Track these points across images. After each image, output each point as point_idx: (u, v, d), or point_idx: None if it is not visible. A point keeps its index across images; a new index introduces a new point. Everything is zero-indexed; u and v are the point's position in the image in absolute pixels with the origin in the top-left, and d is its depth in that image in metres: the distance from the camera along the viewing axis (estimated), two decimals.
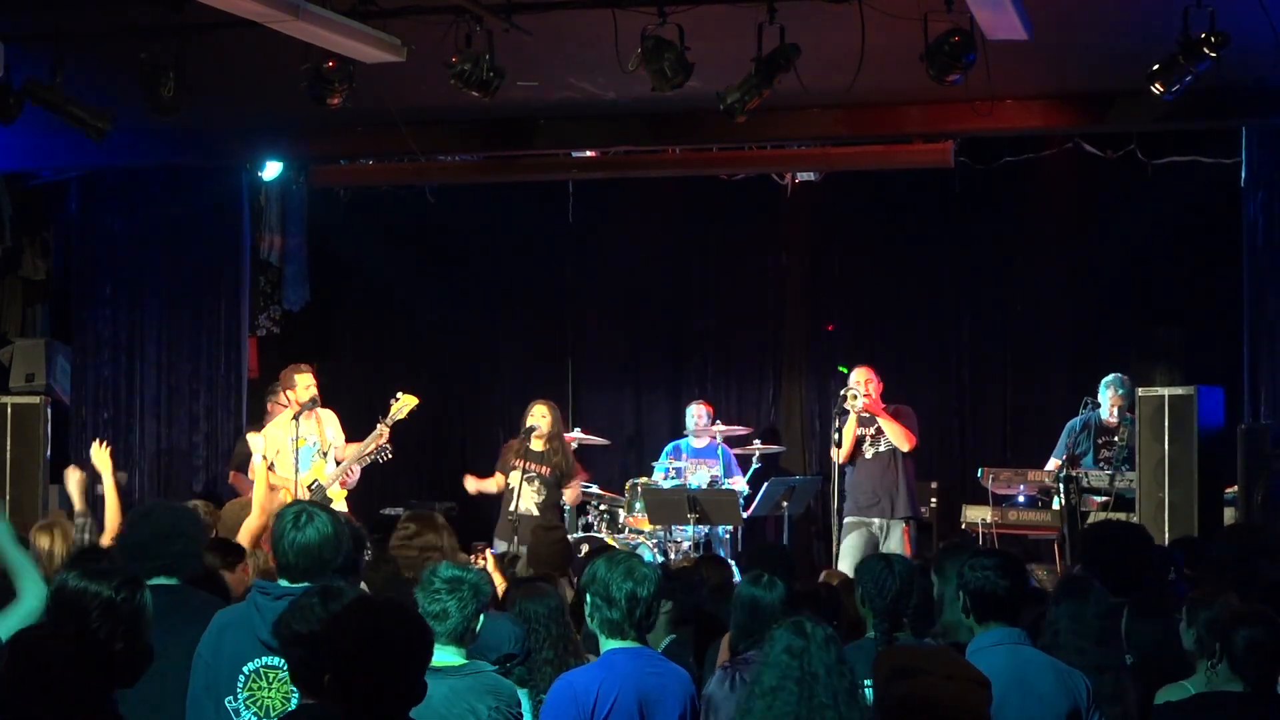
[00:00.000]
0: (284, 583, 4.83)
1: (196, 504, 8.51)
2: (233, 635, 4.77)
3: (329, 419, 10.89)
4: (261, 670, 4.72)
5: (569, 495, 11.24)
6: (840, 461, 11.09)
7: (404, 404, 10.76)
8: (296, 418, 11.16)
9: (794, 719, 4.20)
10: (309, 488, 10.64)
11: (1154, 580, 6.39)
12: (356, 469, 10.67)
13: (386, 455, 10.77)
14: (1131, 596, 5.78)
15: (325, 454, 10.79)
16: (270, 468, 10.24)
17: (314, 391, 10.59)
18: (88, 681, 3.52)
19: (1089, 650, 5.17)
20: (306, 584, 4.74)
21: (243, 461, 11.18)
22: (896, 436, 10.81)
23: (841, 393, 10.94)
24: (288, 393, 10.61)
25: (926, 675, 3.43)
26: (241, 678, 4.73)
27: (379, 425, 10.59)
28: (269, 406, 11.54)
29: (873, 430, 10.93)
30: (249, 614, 4.76)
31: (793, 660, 4.25)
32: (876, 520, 10.83)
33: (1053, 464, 10.90)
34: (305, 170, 13.16)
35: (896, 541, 10.70)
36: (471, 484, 11.42)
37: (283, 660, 4.56)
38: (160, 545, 5.40)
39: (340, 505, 10.70)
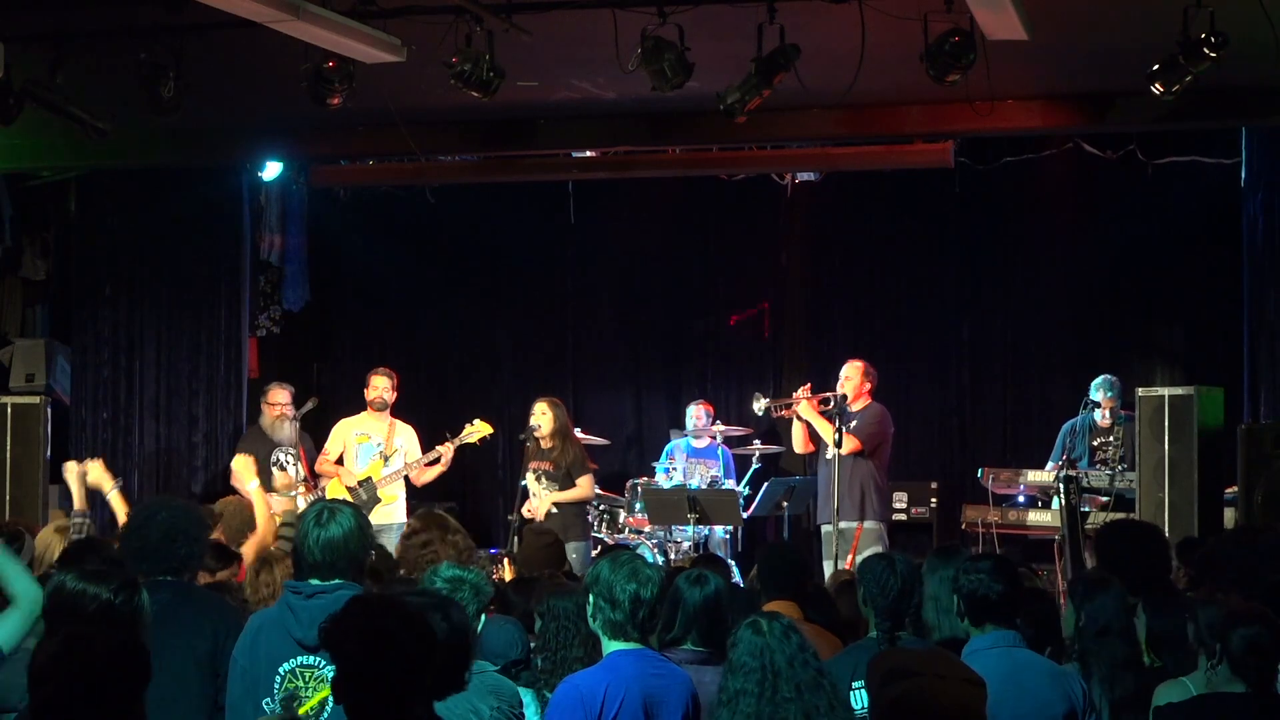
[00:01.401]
0: (315, 581, 4.82)
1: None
2: (267, 636, 4.78)
3: (404, 429, 11.61)
4: (297, 670, 4.71)
5: (583, 487, 11.24)
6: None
7: (477, 430, 11.32)
8: (295, 419, 11.39)
9: (759, 718, 4.20)
10: (359, 482, 11.24)
11: (1166, 579, 6.42)
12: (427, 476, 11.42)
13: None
14: (1148, 596, 5.79)
15: (387, 457, 11.39)
16: (338, 462, 11.41)
17: (378, 393, 11.48)
18: (127, 681, 3.51)
19: (1120, 647, 5.17)
20: (338, 581, 4.75)
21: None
22: (828, 436, 10.62)
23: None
24: (365, 391, 11.52)
25: (921, 676, 3.44)
26: (278, 678, 4.73)
27: (446, 443, 11.19)
28: (262, 408, 11.56)
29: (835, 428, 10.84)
30: (283, 614, 4.76)
31: (754, 660, 4.25)
32: (833, 526, 10.73)
33: (1050, 468, 10.89)
34: (305, 170, 13.16)
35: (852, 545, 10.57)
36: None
37: (318, 659, 4.63)
38: (167, 548, 5.40)
39: (395, 506, 11.21)
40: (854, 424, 10.73)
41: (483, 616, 4.87)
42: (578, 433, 12.09)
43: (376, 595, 3.78)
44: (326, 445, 11.55)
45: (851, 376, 10.91)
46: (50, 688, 3.46)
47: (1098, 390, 10.94)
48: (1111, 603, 5.39)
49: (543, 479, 10.85)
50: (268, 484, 11.13)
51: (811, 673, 4.25)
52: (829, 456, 10.71)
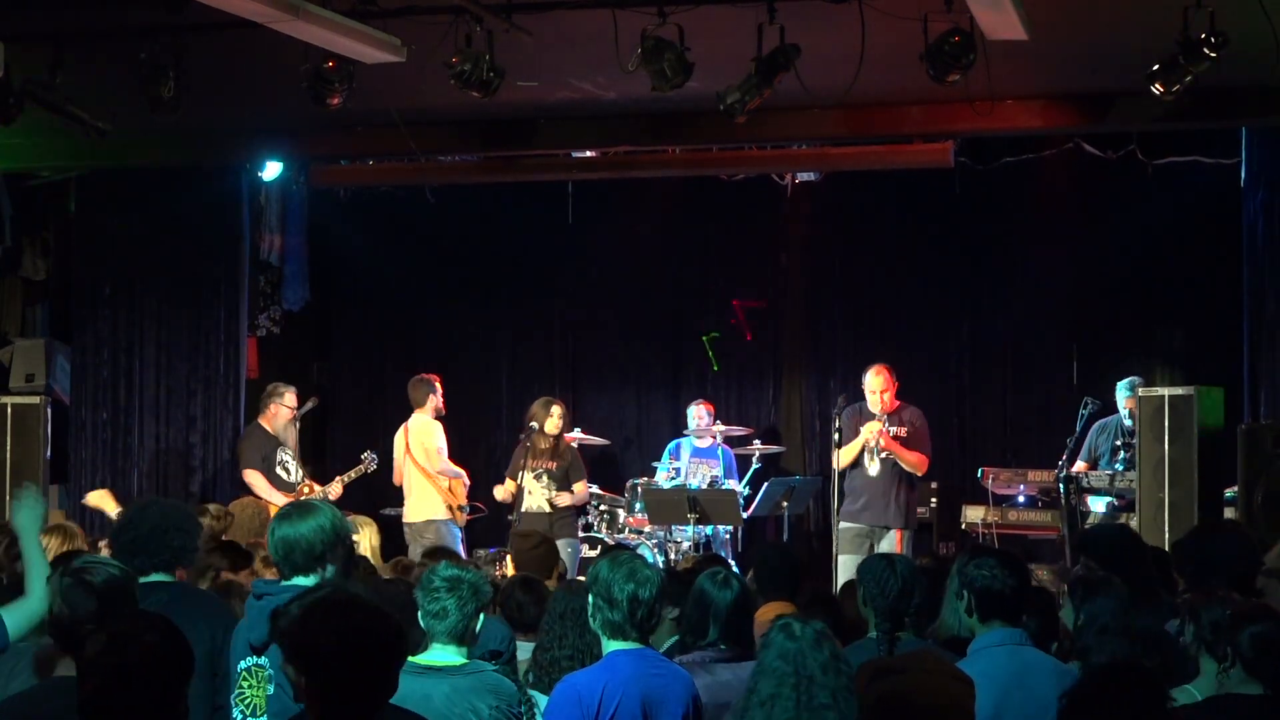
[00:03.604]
0: (282, 581, 4.86)
1: (209, 506, 8.68)
2: (239, 636, 4.89)
3: None
4: (252, 669, 4.79)
5: (579, 492, 11.33)
6: (838, 468, 11.05)
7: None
8: (295, 420, 11.43)
9: None
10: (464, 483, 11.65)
11: (1152, 579, 6.42)
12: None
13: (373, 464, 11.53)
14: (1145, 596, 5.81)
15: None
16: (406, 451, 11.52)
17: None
18: (171, 676, 3.51)
19: (1120, 646, 5.16)
20: (300, 579, 4.80)
21: (257, 461, 11.27)
22: (912, 466, 10.68)
23: (863, 415, 10.74)
24: (430, 396, 11.67)
25: (907, 672, 3.43)
26: (235, 677, 4.82)
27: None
28: (273, 407, 11.55)
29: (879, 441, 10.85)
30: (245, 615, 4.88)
31: (786, 665, 4.23)
32: (867, 525, 10.76)
33: (1080, 466, 10.93)
34: (305, 170, 13.16)
35: (889, 547, 10.62)
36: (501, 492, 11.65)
37: (266, 659, 4.70)
38: (157, 541, 5.43)
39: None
40: (907, 432, 10.72)
41: (481, 615, 4.87)
42: (577, 432, 12.13)
43: (340, 594, 3.75)
44: (442, 445, 11.60)
45: (888, 388, 10.76)
46: (97, 682, 3.47)
47: (1120, 392, 10.95)
48: (1111, 603, 5.38)
49: (544, 477, 10.96)
50: (277, 483, 11.26)
51: (845, 680, 4.22)
52: (868, 465, 10.70)
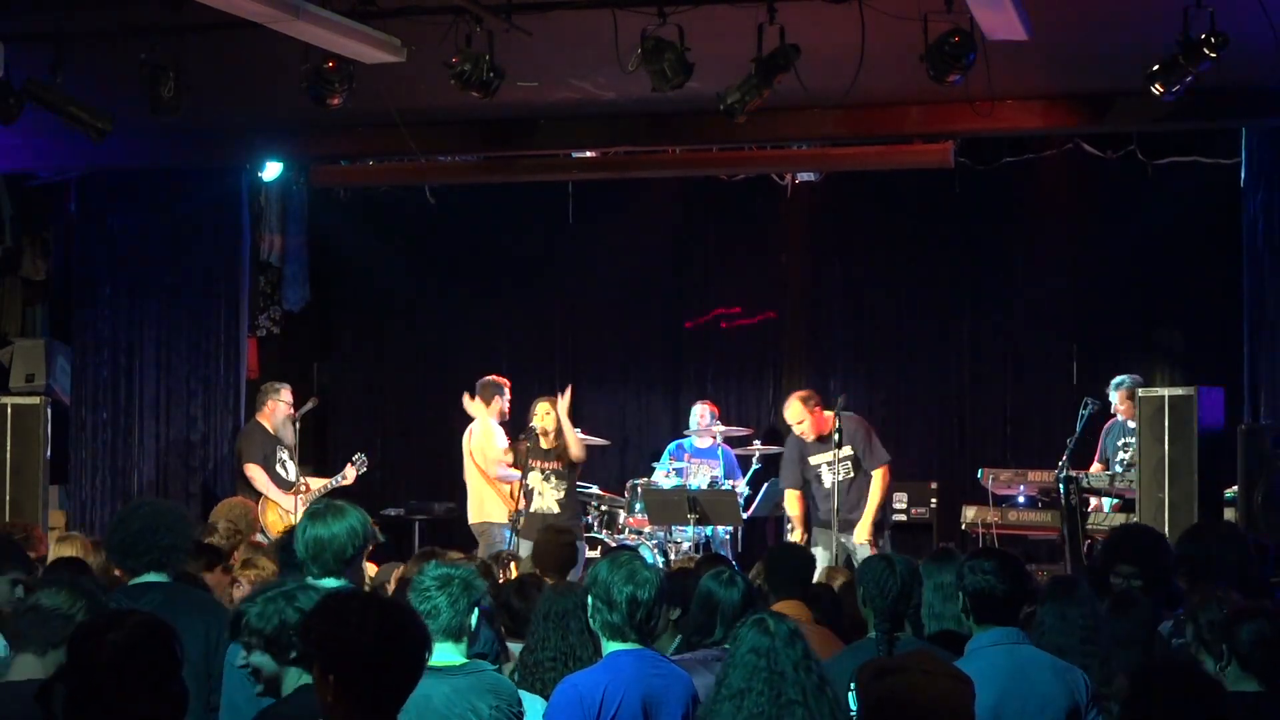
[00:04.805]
0: (309, 579, 4.86)
1: (218, 524, 8.67)
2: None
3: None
4: None
5: (575, 455, 11.22)
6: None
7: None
8: (295, 419, 11.44)
9: (764, 718, 4.21)
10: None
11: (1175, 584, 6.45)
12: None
13: (364, 466, 11.46)
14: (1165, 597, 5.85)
15: None
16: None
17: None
18: (146, 673, 3.49)
19: (1072, 648, 5.18)
20: (329, 581, 4.82)
21: (259, 457, 11.29)
22: (883, 493, 10.56)
23: (806, 447, 10.55)
24: (496, 398, 11.47)
25: (906, 672, 3.44)
26: None
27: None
28: (270, 404, 11.57)
29: (829, 458, 10.45)
30: None
31: (759, 659, 4.25)
32: (838, 534, 10.54)
33: (1096, 467, 10.91)
34: (305, 170, 13.16)
35: (863, 554, 10.48)
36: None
37: None
38: (148, 540, 5.43)
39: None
40: (856, 452, 10.55)
41: (476, 611, 4.86)
42: (577, 433, 12.13)
43: (369, 594, 3.73)
44: (500, 453, 11.44)
45: (799, 419, 10.57)
46: (73, 680, 3.46)
47: (1110, 391, 10.93)
48: (1059, 605, 5.37)
49: (551, 478, 10.93)
50: (277, 481, 11.27)
51: (815, 679, 4.26)
52: (826, 485, 10.46)
